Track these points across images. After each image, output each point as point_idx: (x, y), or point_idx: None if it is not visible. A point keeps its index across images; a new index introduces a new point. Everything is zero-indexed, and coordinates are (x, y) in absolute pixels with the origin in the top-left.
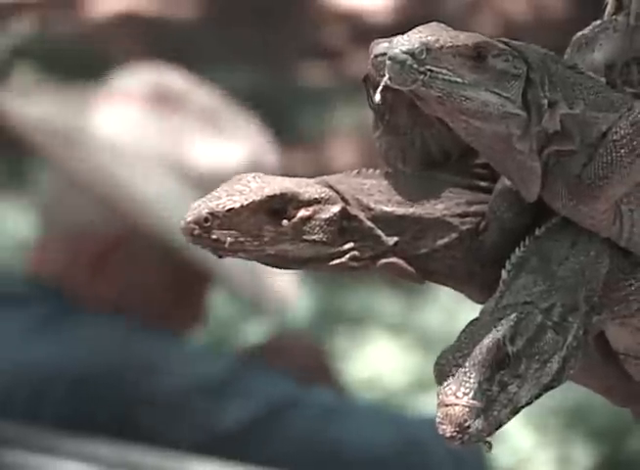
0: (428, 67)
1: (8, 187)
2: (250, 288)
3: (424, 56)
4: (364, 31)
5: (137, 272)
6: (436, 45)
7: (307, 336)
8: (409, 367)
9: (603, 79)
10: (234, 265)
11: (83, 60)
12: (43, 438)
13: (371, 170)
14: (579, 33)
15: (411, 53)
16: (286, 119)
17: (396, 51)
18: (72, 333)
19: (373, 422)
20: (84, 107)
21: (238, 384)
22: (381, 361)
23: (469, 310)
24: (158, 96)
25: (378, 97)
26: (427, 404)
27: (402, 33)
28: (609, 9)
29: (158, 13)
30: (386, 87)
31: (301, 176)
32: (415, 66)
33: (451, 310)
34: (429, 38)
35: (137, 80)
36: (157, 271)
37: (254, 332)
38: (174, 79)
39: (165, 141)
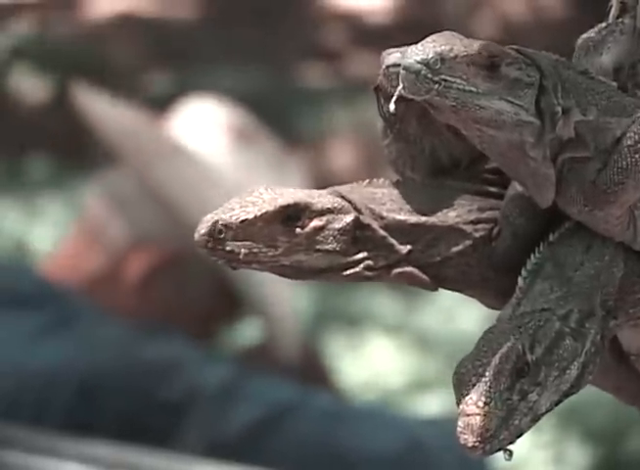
0: (442, 76)
1: (8, 187)
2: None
3: (438, 66)
4: (364, 31)
5: (180, 289)
6: (451, 55)
7: (305, 338)
8: (407, 368)
9: (614, 83)
10: (269, 292)
11: (83, 60)
12: (45, 439)
13: (382, 180)
14: (585, 36)
15: (425, 63)
16: (285, 119)
17: (411, 61)
18: (79, 336)
19: (376, 425)
20: (164, 122)
21: (241, 388)
22: (379, 362)
23: (467, 311)
24: (241, 131)
25: (392, 107)
26: (425, 405)
27: (402, 33)
28: (613, 11)
29: (157, 13)
30: (399, 97)
31: (302, 176)
32: (429, 75)
33: (449, 311)
34: (443, 48)
35: (221, 112)
36: (199, 290)
37: (249, 334)
38: (248, 118)
39: (243, 172)
